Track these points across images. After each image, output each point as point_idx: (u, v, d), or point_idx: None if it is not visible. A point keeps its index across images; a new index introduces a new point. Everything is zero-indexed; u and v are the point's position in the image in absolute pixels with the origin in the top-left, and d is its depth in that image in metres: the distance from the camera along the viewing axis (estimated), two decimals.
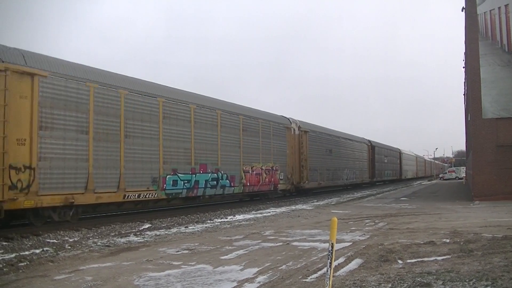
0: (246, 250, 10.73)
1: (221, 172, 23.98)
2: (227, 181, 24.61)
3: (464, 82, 46.03)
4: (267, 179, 28.67)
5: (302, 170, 33.61)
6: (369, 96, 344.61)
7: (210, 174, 23.04)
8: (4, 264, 9.52)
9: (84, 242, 12.73)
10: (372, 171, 55.01)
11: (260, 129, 28.48)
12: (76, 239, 13.55)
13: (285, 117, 33.05)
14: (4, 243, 12.51)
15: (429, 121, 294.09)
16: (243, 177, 26.13)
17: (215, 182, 23.49)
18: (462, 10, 28.63)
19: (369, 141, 55.69)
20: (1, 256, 10.61)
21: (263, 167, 28.21)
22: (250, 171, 26.87)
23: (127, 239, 13.29)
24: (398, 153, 72.84)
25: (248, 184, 26.63)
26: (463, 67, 42.08)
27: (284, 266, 8.75)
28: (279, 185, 30.33)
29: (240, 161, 25.89)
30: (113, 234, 14.63)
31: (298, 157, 33.32)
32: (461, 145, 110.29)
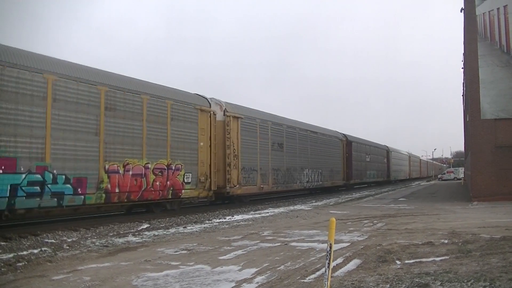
0: (245, 251, 10.73)
1: (52, 172, 15.43)
2: (68, 186, 16.00)
3: (463, 83, 46.06)
4: (158, 183, 19.81)
5: (230, 170, 24.86)
6: (369, 97, 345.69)
7: (24, 175, 14.56)
8: (2, 264, 9.51)
9: (82, 242, 12.72)
10: (348, 171, 45.45)
11: (146, 109, 19.33)
12: (74, 239, 13.54)
13: (201, 96, 23.95)
14: (2, 243, 12.49)
15: (428, 122, 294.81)
16: (105, 179, 17.26)
17: (38, 188, 14.98)
18: (461, 11, 28.66)
19: (344, 135, 46.34)
20: None
21: (149, 165, 19.37)
22: (122, 171, 18.02)
23: (126, 239, 13.28)
24: (385, 151, 64.23)
25: (117, 190, 17.76)
26: (462, 68, 42.08)
27: (282, 267, 8.75)
28: (183, 191, 21.39)
29: (99, 154, 17.11)
30: (111, 234, 14.62)
31: (223, 152, 24.69)
32: (460, 146, 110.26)
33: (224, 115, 24.98)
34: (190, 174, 21.90)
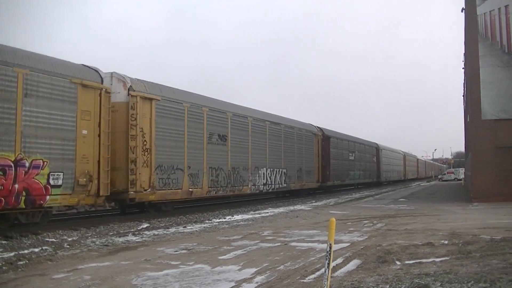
0: (244, 250, 10.73)
1: None
2: None
3: (464, 83, 46.09)
4: None
5: (135, 169, 18.18)
6: (369, 98, 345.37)
7: None
8: (3, 263, 9.53)
9: (82, 241, 12.74)
10: (325, 171, 38.27)
11: None
12: (74, 238, 13.56)
13: (88, 67, 17.34)
14: (3, 242, 12.50)
15: (429, 122, 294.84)
16: None
17: None
18: (461, 11, 28.66)
19: (320, 129, 39.37)
20: (0, 255, 10.62)
21: None
22: None
23: (126, 239, 13.29)
24: (375, 149, 57.20)
25: None
26: (463, 68, 42.11)
27: (282, 267, 8.75)
28: (48, 198, 15.07)
29: None
30: (111, 233, 14.63)
31: (125, 144, 18.26)
32: (460, 146, 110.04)
33: (128, 94, 18.43)
34: (62, 173, 15.58)
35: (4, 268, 9.08)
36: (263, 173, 28.40)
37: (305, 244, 11.51)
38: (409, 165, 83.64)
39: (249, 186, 26.67)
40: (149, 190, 18.86)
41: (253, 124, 27.65)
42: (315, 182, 36.94)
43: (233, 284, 7.53)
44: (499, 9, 25.75)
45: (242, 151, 26.18)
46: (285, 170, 31.37)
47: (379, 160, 58.06)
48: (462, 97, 52.92)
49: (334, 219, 6.12)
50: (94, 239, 13.16)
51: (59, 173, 15.44)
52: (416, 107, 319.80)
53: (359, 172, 49.01)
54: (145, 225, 16.76)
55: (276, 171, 30.23)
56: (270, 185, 29.33)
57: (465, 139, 51.44)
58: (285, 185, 31.43)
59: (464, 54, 34.71)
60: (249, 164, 26.72)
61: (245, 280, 7.73)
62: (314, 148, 36.96)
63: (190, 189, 21.38)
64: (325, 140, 39.07)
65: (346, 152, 44.62)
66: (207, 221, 17.99)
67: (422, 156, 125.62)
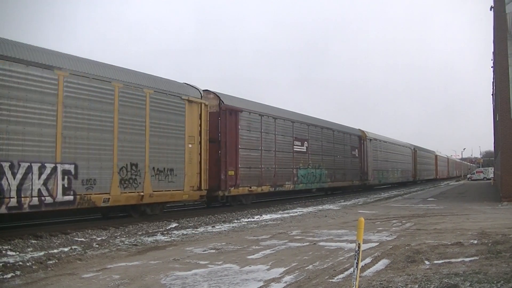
0: (273, 250, 10.76)
1: None
2: None
3: (493, 82, 45.47)
4: None
5: None
6: (398, 99, 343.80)
7: None
8: (33, 262, 9.68)
9: (111, 241, 12.88)
10: (219, 171, 21.73)
11: None
12: (104, 237, 13.71)
13: None
14: (33, 241, 12.70)
15: (458, 121, 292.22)
16: None
17: None
18: (490, 9, 28.33)
19: (215, 94, 22.24)
20: (31, 254, 10.81)
21: None
22: None
23: (154, 238, 13.40)
24: (358, 138, 40.39)
25: None
26: (492, 67, 41.52)
27: (310, 266, 8.77)
28: None
29: None
30: (140, 233, 14.77)
31: None
32: (490, 145, 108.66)
33: None
34: None
35: (34, 267, 9.22)
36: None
37: (333, 244, 11.50)
38: (422, 163, 67.48)
39: None
40: None
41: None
42: (192, 189, 19.53)
43: (261, 283, 7.57)
44: None
45: None
46: (71, 168, 14.44)
47: (365, 154, 41.45)
48: (491, 96, 52.24)
49: (362, 219, 6.12)
50: (123, 239, 13.30)
51: None
52: (445, 106, 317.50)
53: (320, 171, 32.21)
54: (174, 225, 16.88)
55: (31, 168, 13.22)
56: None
57: (494, 138, 50.74)
58: (65, 197, 14.25)
59: (493, 52, 34.28)
60: None
61: (273, 280, 7.76)
62: (186, 127, 19.40)
63: None
64: (224, 115, 22.26)
65: (287, 138, 28.08)
66: (235, 221, 18.05)
67: (451, 155, 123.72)
